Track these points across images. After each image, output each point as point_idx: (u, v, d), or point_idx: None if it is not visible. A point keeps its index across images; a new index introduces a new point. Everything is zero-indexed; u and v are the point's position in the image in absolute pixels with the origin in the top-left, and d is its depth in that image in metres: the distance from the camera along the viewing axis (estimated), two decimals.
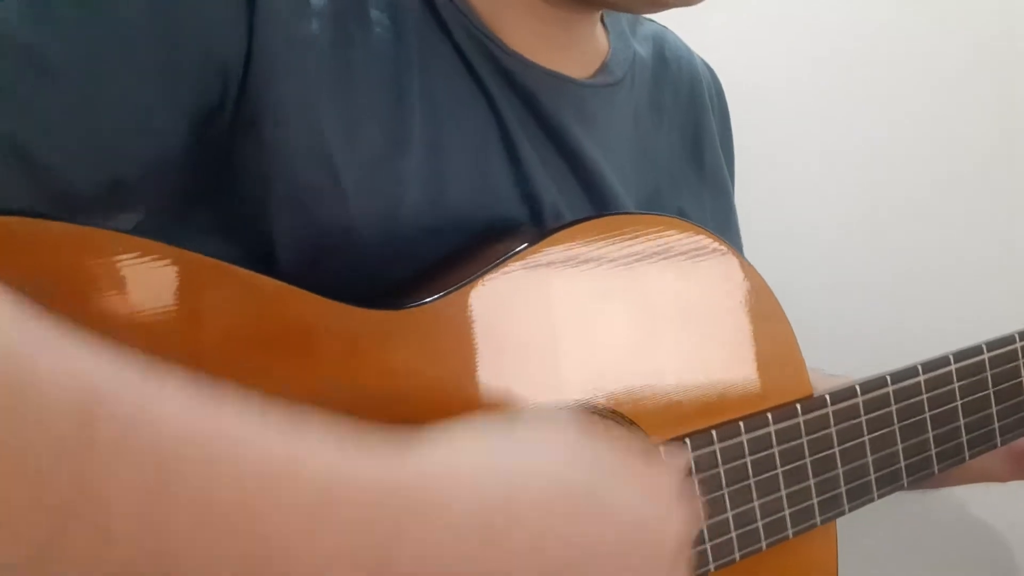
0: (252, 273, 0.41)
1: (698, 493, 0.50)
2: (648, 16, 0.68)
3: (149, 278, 0.38)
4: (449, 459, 0.34)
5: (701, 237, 0.53)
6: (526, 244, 0.48)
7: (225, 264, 0.40)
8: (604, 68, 0.60)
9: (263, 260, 0.46)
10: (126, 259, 0.37)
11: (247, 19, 0.43)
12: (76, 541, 0.25)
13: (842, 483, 0.55)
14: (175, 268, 0.38)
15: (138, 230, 0.47)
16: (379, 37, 0.48)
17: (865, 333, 0.90)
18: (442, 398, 0.44)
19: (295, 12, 0.45)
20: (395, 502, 0.31)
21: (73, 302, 0.36)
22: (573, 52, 0.58)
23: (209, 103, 0.43)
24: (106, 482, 0.25)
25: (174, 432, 0.27)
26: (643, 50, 0.65)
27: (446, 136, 0.50)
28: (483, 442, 0.36)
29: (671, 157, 0.65)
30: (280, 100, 0.44)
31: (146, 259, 0.38)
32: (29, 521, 0.24)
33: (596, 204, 0.57)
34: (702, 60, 0.71)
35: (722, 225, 0.69)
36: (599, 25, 0.61)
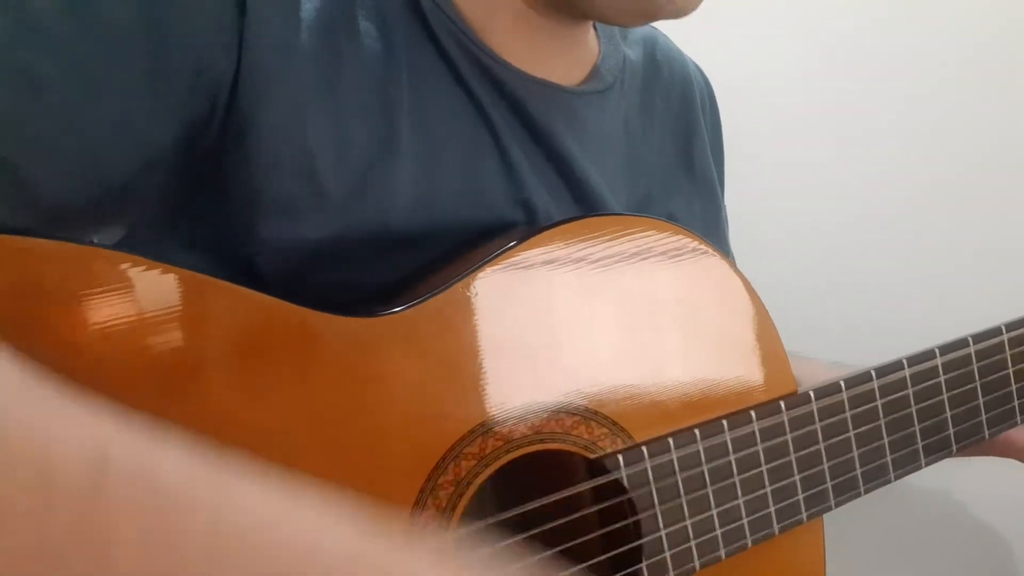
0: (238, 287, 0.41)
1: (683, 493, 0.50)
2: None
3: (141, 293, 0.38)
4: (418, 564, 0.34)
5: (684, 238, 0.54)
6: (511, 244, 0.48)
7: (211, 278, 0.41)
8: (594, 74, 0.60)
9: (245, 271, 0.46)
10: (119, 275, 0.38)
11: (238, 33, 0.43)
12: None
13: (828, 479, 0.56)
14: (166, 282, 0.39)
15: (120, 244, 0.48)
16: (368, 47, 0.49)
17: (852, 328, 0.90)
18: (432, 400, 0.45)
19: (285, 25, 0.45)
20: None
21: (65, 318, 0.37)
22: (563, 59, 0.58)
23: (198, 116, 0.44)
24: (110, 533, 0.27)
25: (180, 490, 0.29)
26: (634, 53, 0.65)
27: (436, 144, 0.51)
28: None
29: (662, 160, 0.65)
30: (269, 113, 0.44)
31: (138, 273, 0.38)
32: (21, 566, 0.25)
33: (585, 210, 0.57)
34: (694, 63, 0.71)
35: (711, 228, 0.69)
36: (591, 30, 0.61)
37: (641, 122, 0.64)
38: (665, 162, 0.66)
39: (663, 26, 0.68)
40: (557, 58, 0.57)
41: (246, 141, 0.44)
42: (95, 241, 0.49)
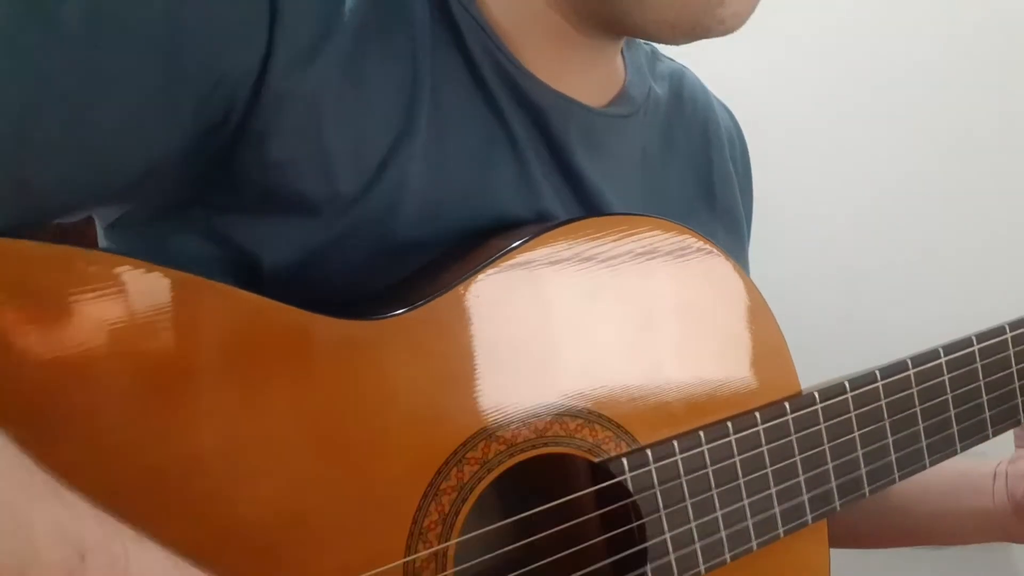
0: (234, 288, 0.41)
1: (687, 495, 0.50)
2: (668, 55, 0.68)
3: (134, 296, 0.38)
4: None
5: (689, 238, 0.53)
6: (514, 245, 0.48)
7: (205, 280, 0.40)
8: (618, 99, 0.59)
9: (247, 265, 0.46)
10: (110, 278, 0.37)
11: (267, 41, 0.43)
12: None
13: (832, 479, 0.55)
14: (159, 285, 0.38)
15: (122, 222, 0.48)
16: (394, 49, 0.48)
17: (857, 328, 0.90)
18: (431, 405, 0.44)
19: (315, 30, 0.45)
20: None
21: (55, 322, 0.36)
22: (589, 79, 0.57)
23: (212, 119, 0.43)
24: None
25: None
26: (660, 88, 0.64)
27: (450, 149, 0.50)
28: None
29: (681, 194, 0.64)
30: (290, 116, 0.44)
31: (130, 276, 0.37)
32: None
33: None
34: (719, 101, 0.71)
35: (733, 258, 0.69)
36: (619, 56, 0.61)
37: (661, 155, 0.63)
38: (685, 195, 0.65)
39: None
40: (583, 78, 0.57)
41: (264, 143, 0.44)
42: (98, 229, 0.49)
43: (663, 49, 0.68)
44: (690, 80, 0.68)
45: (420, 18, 0.50)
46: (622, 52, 0.62)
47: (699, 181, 0.66)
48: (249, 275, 0.46)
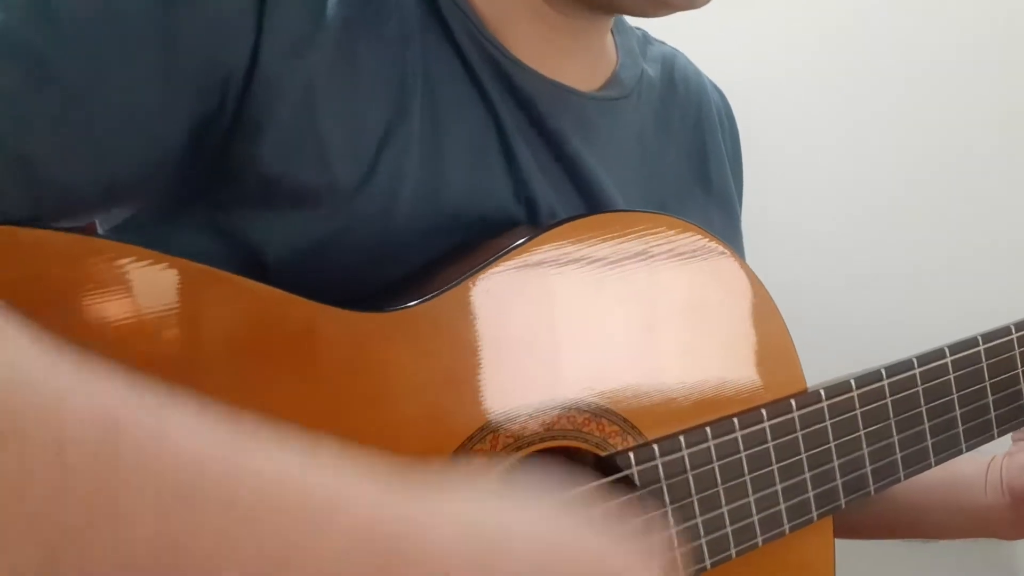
0: (244, 279, 0.41)
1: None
2: (658, 38, 0.68)
3: (146, 285, 0.38)
4: (446, 508, 0.33)
5: (695, 235, 0.53)
6: (520, 242, 0.48)
7: (216, 270, 0.40)
8: (610, 82, 0.60)
9: (252, 259, 0.46)
10: (122, 267, 0.37)
11: (256, 28, 0.43)
12: (92, 553, 0.25)
13: (838, 476, 0.55)
14: (170, 275, 0.39)
15: (127, 225, 0.48)
16: (384, 39, 0.48)
17: (863, 327, 0.90)
18: (439, 398, 0.45)
19: (305, 18, 0.45)
20: (391, 530, 0.31)
21: (70, 310, 0.36)
22: (579, 63, 0.58)
23: (208, 110, 0.43)
24: (126, 497, 0.26)
25: (194, 450, 0.28)
26: (652, 71, 0.65)
27: (444, 139, 0.50)
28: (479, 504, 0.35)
29: (677, 177, 0.65)
30: (284, 106, 0.44)
31: (142, 266, 0.38)
32: (40, 533, 0.24)
33: (593, 210, 0.57)
34: (711, 82, 0.71)
35: (728, 240, 0.69)
36: (609, 39, 0.61)
37: (656, 137, 0.63)
38: (681, 177, 0.65)
39: (667, 22, 0.67)
40: (573, 61, 0.57)
41: (260, 133, 0.44)
42: (99, 232, 0.49)
43: (655, 33, 0.69)
44: (682, 62, 0.69)
45: (408, 8, 0.50)
46: (613, 36, 0.62)
47: (694, 163, 0.67)
48: (254, 271, 0.46)
